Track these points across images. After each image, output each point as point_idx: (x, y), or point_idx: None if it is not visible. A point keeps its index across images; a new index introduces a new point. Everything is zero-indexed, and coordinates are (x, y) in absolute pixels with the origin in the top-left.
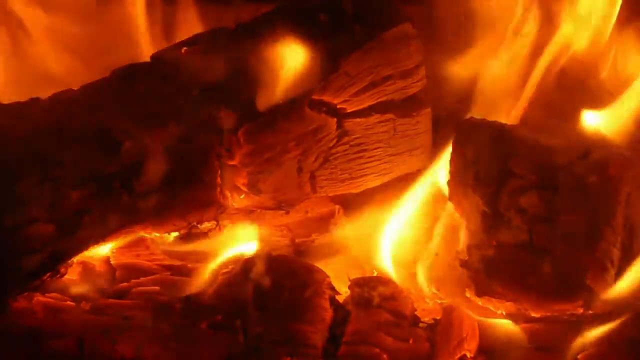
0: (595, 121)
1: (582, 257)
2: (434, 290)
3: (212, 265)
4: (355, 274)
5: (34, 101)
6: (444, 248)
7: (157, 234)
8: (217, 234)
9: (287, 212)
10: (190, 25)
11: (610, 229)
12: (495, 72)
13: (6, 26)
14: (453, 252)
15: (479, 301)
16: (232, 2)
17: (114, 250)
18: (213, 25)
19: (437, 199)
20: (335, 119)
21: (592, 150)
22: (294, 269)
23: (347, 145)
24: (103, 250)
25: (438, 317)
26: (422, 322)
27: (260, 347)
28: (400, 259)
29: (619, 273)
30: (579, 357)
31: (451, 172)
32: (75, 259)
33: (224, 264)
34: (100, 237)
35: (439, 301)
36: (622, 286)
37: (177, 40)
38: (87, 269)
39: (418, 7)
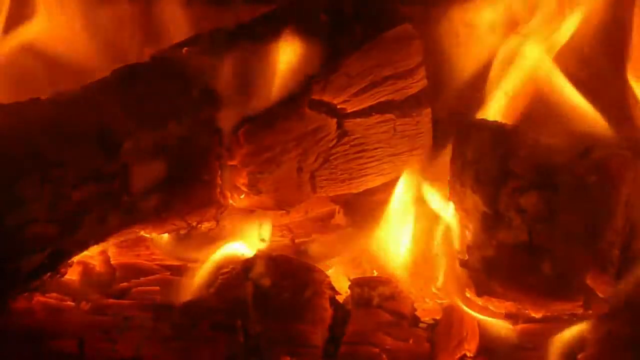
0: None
1: (582, 257)
2: (434, 290)
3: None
4: (355, 274)
5: (34, 101)
6: (444, 248)
7: (157, 234)
8: (217, 233)
9: (287, 212)
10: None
11: (610, 229)
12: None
13: None
14: (453, 252)
15: (479, 301)
16: (231, 2)
17: (114, 250)
18: (213, 26)
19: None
20: (335, 119)
21: (592, 150)
22: (294, 269)
23: (347, 146)
24: (103, 250)
25: (438, 317)
26: (422, 322)
27: (260, 347)
28: (400, 259)
29: (619, 273)
30: (579, 357)
31: (451, 172)
32: (75, 259)
33: (223, 264)
34: (100, 237)
35: (439, 301)
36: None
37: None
38: (87, 269)
39: (418, 7)
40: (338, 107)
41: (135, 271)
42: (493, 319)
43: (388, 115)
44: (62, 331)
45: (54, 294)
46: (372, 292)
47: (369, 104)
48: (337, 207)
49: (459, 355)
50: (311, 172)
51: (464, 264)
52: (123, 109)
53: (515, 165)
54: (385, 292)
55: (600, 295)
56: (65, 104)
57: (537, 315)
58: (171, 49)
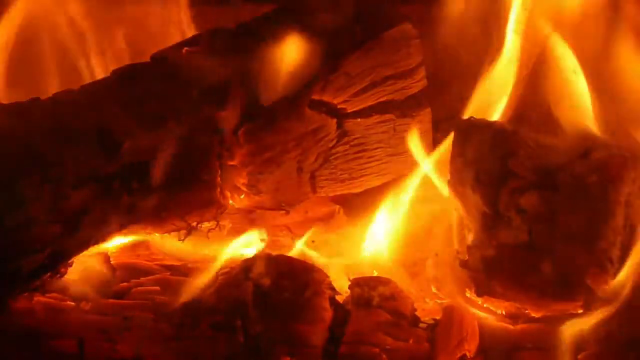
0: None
1: (582, 257)
2: (434, 290)
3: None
4: (355, 274)
5: (34, 101)
6: (444, 248)
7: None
8: (217, 234)
9: (287, 212)
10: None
11: (610, 229)
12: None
13: None
14: (453, 252)
15: (479, 301)
16: (231, 2)
17: (114, 250)
18: (213, 25)
19: (436, 199)
20: (335, 119)
21: (592, 150)
22: (294, 269)
23: (347, 146)
24: (103, 250)
25: (438, 317)
26: (422, 322)
27: (260, 347)
28: (400, 259)
29: (619, 273)
30: (579, 357)
31: (451, 172)
32: (75, 259)
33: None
34: (101, 237)
35: (439, 301)
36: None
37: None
38: (87, 269)
39: (418, 7)
40: (338, 107)
41: (135, 271)
42: (493, 319)
43: (388, 115)
44: (62, 331)
45: (54, 294)
46: (372, 292)
47: (369, 104)
48: (337, 207)
49: (459, 355)
50: (311, 172)
51: (464, 264)
52: (123, 109)
53: (515, 165)
54: (385, 292)
55: (600, 295)
56: (65, 104)
57: (537, 315)
58: (171, 49)
